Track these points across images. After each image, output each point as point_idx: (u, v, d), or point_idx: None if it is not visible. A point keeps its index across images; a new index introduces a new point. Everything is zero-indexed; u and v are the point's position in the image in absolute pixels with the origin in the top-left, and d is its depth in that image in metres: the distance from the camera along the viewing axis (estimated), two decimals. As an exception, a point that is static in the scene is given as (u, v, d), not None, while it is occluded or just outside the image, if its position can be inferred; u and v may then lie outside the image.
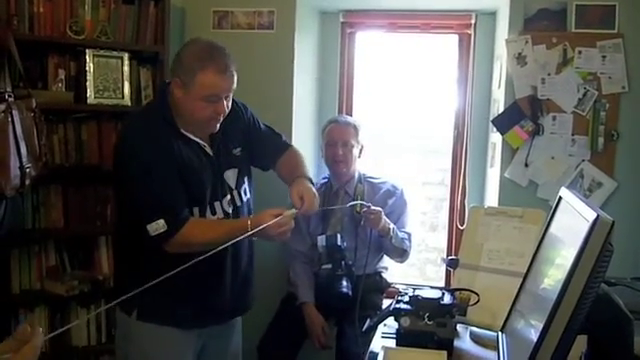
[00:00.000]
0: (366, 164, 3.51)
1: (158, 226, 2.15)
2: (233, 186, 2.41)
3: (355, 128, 3.33)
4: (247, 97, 3.54)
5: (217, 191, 2.35)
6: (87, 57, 3.16)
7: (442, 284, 3.87)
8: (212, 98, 2.21)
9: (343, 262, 3.03)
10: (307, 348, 3.32)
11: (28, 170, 2.83)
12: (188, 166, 2.26)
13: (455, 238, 3.86)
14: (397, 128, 4.03)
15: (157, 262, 2.14)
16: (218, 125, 2.31)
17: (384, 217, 3.06)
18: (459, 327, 2.26)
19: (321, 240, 3.05)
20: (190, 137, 2.29)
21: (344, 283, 3.00)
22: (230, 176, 2.41)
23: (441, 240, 4.04)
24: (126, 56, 3.27)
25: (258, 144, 2.55)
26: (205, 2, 3.64)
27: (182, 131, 2.28)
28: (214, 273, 2.37)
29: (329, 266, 3.04)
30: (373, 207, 2.99)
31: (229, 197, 2.39)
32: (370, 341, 2.34)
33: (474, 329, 2.27)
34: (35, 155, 2.89)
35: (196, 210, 2.29)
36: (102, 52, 3.20)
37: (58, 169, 3.15)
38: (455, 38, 3.83)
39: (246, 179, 2.49)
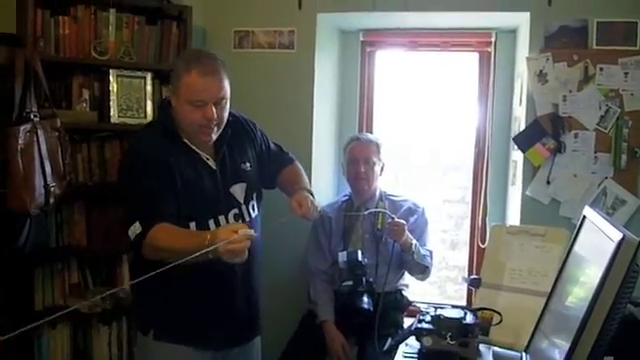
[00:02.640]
0: (387, 182, 3.51)
1: (135, 228, 2.12)
2: (241, 200, 2.38)
3: (377, 146, 3.34)
4: (268, 116, 3.58)
5: (221, 205, 2.32)
6: (111, 77, 3.21)
7: (463, 303, 3.84)
8: (197, 102, 2.18)
9: (364, 279, 3.02)
10: (327, 367, 3.31)
11: (52, 189, 2.87)
12: (187, 178, 2.24)
13: (476, 256, 3.83)
14: (417, 146, 4.02)
15: (169, 280, 2.15)
16: (213, 135, 2.28)
17: (407, 232, 3.06)
18: (481, 347, 2.24)
19: (342, 256, 3.05)
20: (193, 149, 2.29)
21: (365, 299, 3.00)
22: (237, 190, 2.38)
23: (461, 258, 4.02)
24: (149, 76, 3.31)
25: (267, 162, 2.56)
26: (226, 22, 3.68)
27: (187, 143, 2.28)
28: (224, 291, 2.35)
29: (350, 283, 3.03)
30: (397, 219, 2.99)
31: (236, 211, 2.36)
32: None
33: (497, 349, 2.25)
34: (59, 174, 2.93)
35: (193, 225, 2.25)
36: (125, 72, 3.25)
37: (81, 187, 3.19)
38: (475, 56, 3.83)
39: (255, 196, 2.46)
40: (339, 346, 3.19)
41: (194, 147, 2.29)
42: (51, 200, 2.88)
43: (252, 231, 1.92)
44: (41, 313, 3.18)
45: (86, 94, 3.22)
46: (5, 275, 2.88)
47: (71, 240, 3.25)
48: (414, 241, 3.13)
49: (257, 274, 2.51)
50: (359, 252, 3.04)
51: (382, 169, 3.38)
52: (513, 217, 3.51)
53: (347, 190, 3.49)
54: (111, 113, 3.21)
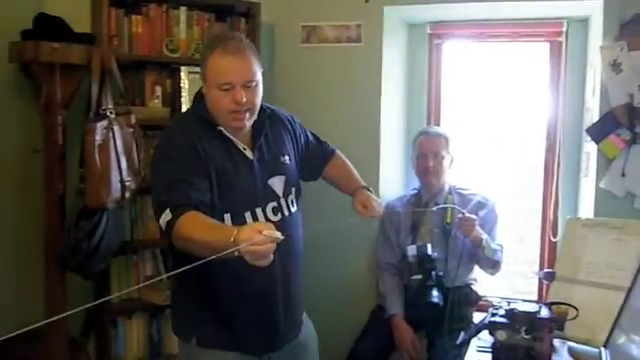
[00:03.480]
0: (455, 175, 3.48)
1: (166, 216, 1.98)
2: (280, 194, 2.27)
3: (446, 139, 3.32)
4: (336, 110, 3.62)
5: (258, 197, 2.20)
6: (182, 74, 3.28)
7: (533, 298, 3.78)
8: (224, 85, 2.07)
9: (433, 272, 3.01)
10: (396, 361, 3.32)
11: (128, 184, 2.95)
12: (221, 167, 2.13)
13: (547, 250, 3.77)
14: (487, 138, 3.97)
15: (205, 282, 2.16)
16: (246, 121, 2.16)
17: (477, 227, 3.03)
18: (556, 342, 2.22)
19: (411, 250, 3.04)
20: (229, 137, 2.17)
21: (435, 293, 2.98)
22: (276, 183, 2.27)
23: (530, 253, 3.95)
24: (219, 72, 3.36)
25: (307, 155, 2.48)
26: (293, 17, 3.70)
27: (222, 131, 2.16)
28: (264, 293, 2.23)
29: (419, 277, 3.02)
30: (467, 214, 2.96)
31: (275, 204, 2.24)
32: (462, 355, 2.32)
33: (572, 344, 2.22)
34: (134, 169, 3.01)
35: (228, 217, 2.12)
36: (196, 69, 3.29)
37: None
38: (546, 46, 3.75)
39: (294, 190, 2.33)
40: (408, 340, 3.19)
41: (230, 135, 2.18)
42: (127, 195, 2.97)
43: (278, 233, 1.74)
44: (117, 304, 3.28)
45: (159, 91, 3.30)
46: (84, 268, 2.97)
47: (145, 234, 3.35)
48: (484, 236, 3.10)
49: (297, 273, 2.37)
50: (429, 246, 3.03)
51: (451, 163, 3.35)
52: (586, 210, 3.43)
53: (416, 184, 3.47)
54: (183, 109, 3.28)
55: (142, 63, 3.28)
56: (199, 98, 2.23)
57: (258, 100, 2.17)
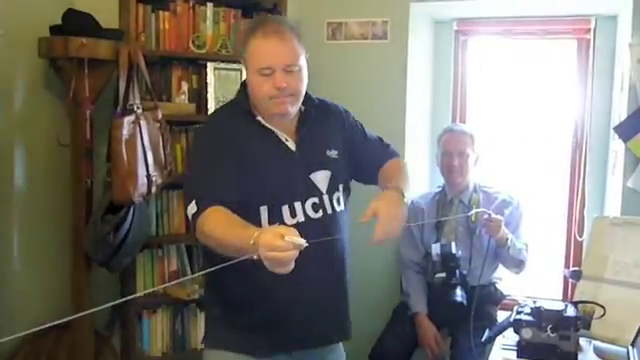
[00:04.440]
0: (480, 173, 3.46)
1: (191, 208, 1.93)
2: (323, 190, 2.10)
3: (471, 137, 3.30)
4: (361, 106, 3.59)
5: (298, 191, 2.05)
6: (208, 70, 3.30)
7: (558, 297, 3.75)
8: (265, 70, 1.96)
9: (457, 271, 3.00)
10: (419, 358, 3.30)
11: (154, 178, 2.98)
12: (258, 158, 2.03)
13: (573, 249, 3.74)
14: (512, 136, 3.94)
15: (235, 284, 2.05)
16: (289, 107, 2.02)
17: (503, 227, 3.01)
18: (582, 341, 2.20)
19: (435, 248, 3.03)
20: (269, 128, 2.06)
21: (458, 292, 2.97)
22: (320, 179, 2.11)
23: (555, 252, 3.91)
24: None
25: (364, 154, 2.27)
26: (319, 14, 3.70)
27: (262, 122, 2.05)
28: (296, 300, 2.06)
29: (443, 275, 3.01)
30: (494, 215, 2.94)
31: (316, 200, 2.08)
32: (486, 353, 2.31)
33: (598, 343, 2.21)
34: (161, 164, 3.04)
35: (264, 209, 2.01)
36: (222, 65, 3.33)
37: (180, 177, 3.29)
38: (573, 43, 3.72)
39: (341, 187, 2.16)
40: (432, 338, 3.18)
41: (270, 126, 2.06)
42: (153, 189, 2.99)
43: (303, 240, 1.61)
44: (142, 298, 3.31)
45: (185, 86, 3.32)
46: (109, 262, 3.00)
47: (170, 229, 3.37)
48: (510, 235, 3.08)
49: (338, 280, 2.22)
50: (453, 244, 3.02)
51: (476, 161, 3.33)
52: (612, 209, 3.40)
53: (441, 181, 3.46)
54: (209, 105, 3.30)
55: (169, 59, 3.30)
56: (242, 87, 2.14)
57: (302, 86, 2.04)
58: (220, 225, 1.83)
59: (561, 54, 3.85)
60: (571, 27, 3.69)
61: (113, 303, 1.39)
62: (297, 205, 2.04)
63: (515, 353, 2.10)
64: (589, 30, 3.62)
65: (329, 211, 2.10)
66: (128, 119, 2.90)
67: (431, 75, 3.90)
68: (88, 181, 3.00)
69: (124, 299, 2.80)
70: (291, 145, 2.08)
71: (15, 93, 3.02)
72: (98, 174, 3.05)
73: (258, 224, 1.94)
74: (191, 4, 3.31)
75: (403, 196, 2.03)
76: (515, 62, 3.92)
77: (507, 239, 3.06)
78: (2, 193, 2.84)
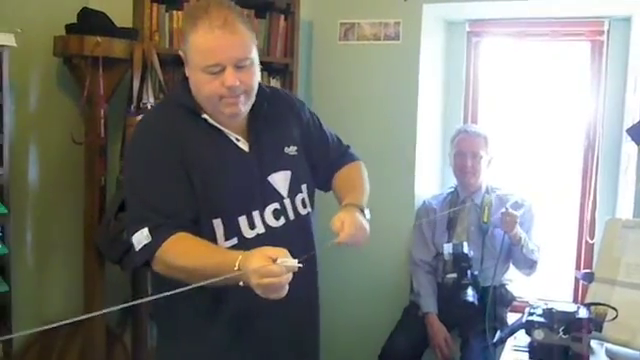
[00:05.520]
0: (493, 175, 3.46)
1: (142, 236, 1.66)
2: (284, 193, 1.86)
3: (485, 139, 3.31)
4: (372, 107, 3.63)
5: (255, 197, 1.80)
6: (221, 69, 3.30)
7: (569, 299, 3.75)
8: (213, 68, 1.67)
9: (469, 271, 3.00)
10: (429, 359, 3.31)
11: (167, 176, 2.98)
12: (208, 163, 1.77)
13: (584, 252, 3.73)
14: (524, 138, 3.93)
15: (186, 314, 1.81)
16: (242, 106, 1.76)
17: (517, 225, 3.02)
18: (594, 343, 2.19)
19: (447, 248, 3.03)
20: (218, 127, 1.79)
21: (470, 292, 2.97)
22: (279, 180, 1.86)
23: (566, 254, 3.90)
24: (257, 68, 3.39)
25: (320, 154, 2.03)
26: (332, 14, 3.71)
27: (208, 120, 1.78)
28: (267, 328, 1.83)
29: (454, 275, 3.02)
30: (510, 210, 2.95)
31: (277, 206, 1.84)
32: (496, 354, 2.31)
33: (610, 346, 2.20)
34: (174, 162, 3.04)
35: (218, 223, 1.76)
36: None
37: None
38: (587, 45, 3.71)
39: (304, 188, 1.92)
40: (442, 339, 3.19)
41: (218, 125, 1.79)
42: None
43: (295, 261, 1.47)
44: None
45: (198, 86, 3.32)
46: (122, 259, 3.01)
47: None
48: (523, 234, 3.08)
49: (310, 303, 1.99)
50: (465, 244, 3.02)
51: (489, 163, 3.33)
52: (624, 211, 3.39)
53: (453, 182, 3.46)
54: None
55: (182, 58, 3.30)
56: (183, 81, 1.83)
57: (255, 81, 1.77)
58: (190, 254, 1.62)
59: (574, 56, 3.84)
60: (585, 29, 3.68)
61: (125, 305, 1.36)
62: (255, 214, 1.80)
63: (527, 355, 2.09)
64: (603, 32, 3.61)
65: (292, 217, 1.87)
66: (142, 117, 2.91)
67: (443, 76, 3.90)
68: (102, 179, 3.02)
69: (134, 302, 2.83)
70: (243, 145, 1.83)
71: (30, 91, 3.05)
72: (111, 172, 3.07)
73: (213, 240, 1.73)
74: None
75: (364, 214, 1.83)
76: (527, 64, 3.91)
77: (521, 237, 3.06)
78: (17, 190, 2.86)
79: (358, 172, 2.06)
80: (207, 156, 1.77)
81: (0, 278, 2.71)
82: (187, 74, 1.78)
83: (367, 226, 1.80)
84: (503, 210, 2.97)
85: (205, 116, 1.78)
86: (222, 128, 1.80)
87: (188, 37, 1.70)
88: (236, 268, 1.48)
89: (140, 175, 1.76)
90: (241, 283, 1.49)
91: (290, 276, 1.47)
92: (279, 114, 1.92)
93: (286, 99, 2.01)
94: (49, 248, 3.16)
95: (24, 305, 2.94)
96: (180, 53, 1.79)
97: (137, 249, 1.68)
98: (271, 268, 1.44)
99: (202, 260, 1.59)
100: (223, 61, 1.67)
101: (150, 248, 1.65)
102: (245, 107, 1.78)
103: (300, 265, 1.48)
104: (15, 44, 2.67)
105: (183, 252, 1.63)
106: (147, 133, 1.82)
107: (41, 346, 3.07)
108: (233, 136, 1.81)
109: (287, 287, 1.47)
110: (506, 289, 3.32)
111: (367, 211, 1.86)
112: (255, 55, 1.76)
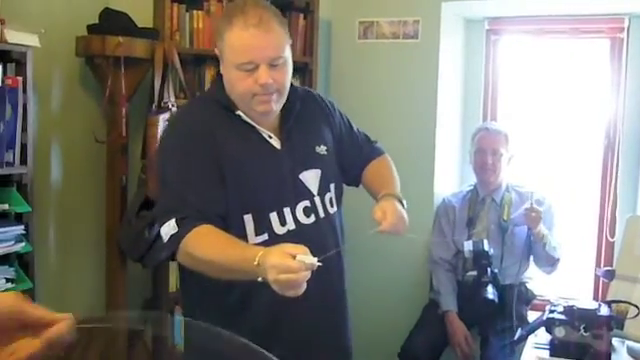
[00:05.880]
0: (513, 173, 3.45)
1: (169, 227, 1.69)
2: (315, 191, 1.88)
3: (505, 136, 3.30)
4: (392, 105, 3.63)
5: (286, 194, 1.82)
6: (240, 68, 3.32)
7: (589, 297, 3.73)
8: (246, 65, 1.71)
9: (489, 269, 3.00)
10: (448, 357, 3.31)
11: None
12: (241, 159, 1.79)
13: (604, 250, 3.71)
14: (544, 135, 3.92)
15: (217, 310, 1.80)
16: (274, 104, 1.79)
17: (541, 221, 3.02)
18: (615, 341, 2.19)
19: (468, 245, 3.03)
20: (251, 124, 1.82)
21: (490, 289, 2.98)
22: (310, 178, 1.88)
23: (586, 252, 3.88)
24: (276, 67, 3.40)
25: (350, 151, 2.06)
26: (351, 13, 3.72)
27: (242, 116, 1.81)
28: (296, 321, 1.83)
29: (474, 273, 3.02)
30: (535, 205, 2.95)
31: (307, 204, 1.86)
32: (515, 353, 2.31)
33: (632, 344, 2.19)
34: (195, 161, 3.06)
35: (249, 219, 1.78)
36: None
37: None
38: (606, 42, 3.69)
39: (332, 187, 1.94)
40: (462, 337, 3.19)
41: (252, 122, 1.82)
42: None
43: (315, 259, 1.46)
44: (174, 295, 3.35)
45: (218, 85, 3.35)
46: (143, 258, 3.04)
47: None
48: (546, 231, 3.08)
49: (337, 296, 1.99)
50: (485, 242, 3.03)
51: (510, 160, 3.33)
52: (645, 210, 3.38)
53: (472, 180, 3.46)
54: (241, 103, 3.32)
55: (202, 57, 3.34)
56: (217, 78, 1.89)
57: (288, 80, 1.81)
58: (213, 247, 1.64)
59: (594, 53, 3.82)
60: (604, 26, 3.66)
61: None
62: (286, 211, 1.82)
63: (547, 352, 2.09)
64: (623, 29, 3.60)
65: (322, 215, 1.89)
66: (163, 117, 2.94)
67: (462, 74, 3.90)
68: (123, 177, 3.05)
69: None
70: (276, 143, 1.85)
71: (53, 91, 3.08)
72: (133, 171, 3.10)
73: (243, 236, 1.74)
74: (224, 3, 3.33)
75: (402, 204, 1.89)
76: (547, 61, 3.90)
77: (544, 234, 3.06)
78: (40, 189, 2.90)
79: (388, 165, 2.11)
80: (240, 152, 1.80)
81: (24, 275, 2.74)
82: (221, 71, 1.82)
83: (406, 216, 1.85)
84: (527, 206, 2.97)
85: (239, 112, 1.81)
86: (255, 125, 1.82)
87: (224, 34, 1.74)
88: (256, 263, 1.49)
89: (172, 168, 1.79)
90: (260, 279, 1.49)
91: (308, 274, 1.46)
92: (311, 114, 1.96)
93: (318, 100, 2.04)
94: (71, 246, 3.19)
95: (47, 302, 2.95)
96: (215, 50, 1.83)
97: (165, 240, 1.71)
98: (290, 264, 1.44)
99: (224, 253, 1.61)
100: (257, 59, 1.70)
101: (176, 239, 1.67)
102: (277, 105, 1.81)
103: (320, 264, 1.47)
104: (38, 44, 2.70)
105: (206, 244, 1.65)
106: (181, 127, 1.87)
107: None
108: (266, 133, 1.84)
109: (305, 285, 1.47)
110: (526, 287, 3.32)
111: (404, 201, 1.91)
112: (288, 54, 1.79)
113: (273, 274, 1.45)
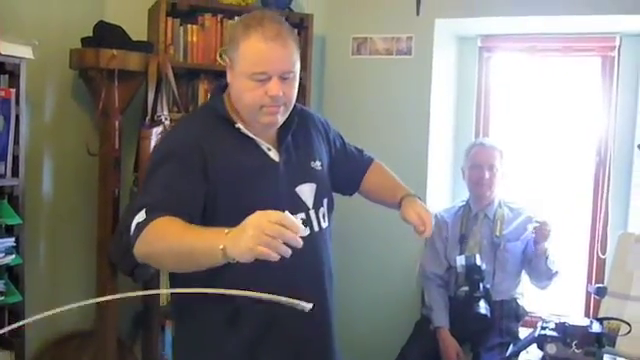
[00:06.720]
0: (505, 189, 3.46)
1: (139, 217, 1.65)
2: (310, 205, 1.91)
3: (500, 152, 3.31)
4: (384, 121, 3.64)
5: (283, 206, 1.70)
6: (235, 83, 3.33)
7: (581, 313, 3.73)
8: (260, 76, 1.73)
9: (481, 285, 2.99)
10: (440, 373, 3.30)
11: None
12: (239, 171, 1.80)
13: (596, 267, 3.72)
14: (536, 152, 3.94)
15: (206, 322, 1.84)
16: (279, 116, 1.82)
17: None
18: (607, 358, 2.19)
19: (460, 260, 3.02)
20: (249, 136, 1.84)
21: (482, 304, 2.96)
22: (306, 192, 1.92)
23: (577, 268, 3.89)
24: (270, 81, 3.41)
25: (345, 164, 2.14)
26: (345, 29, 3.74)
27: (242, 129, 1.83)
28: (288, 328, 1.83)
29: (466, 288, 3.01)
30: (547, 220, 2.97)
31: (303, 216, 1.88)
32: (509, 368, 2.30)
33: (623, 361, 2.19)
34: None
35: None
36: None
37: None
38: (598, 61, 3.72)
39: (325, 202, 1.98)
40: (454, 353, 3.17)
41: (251, 135, 1.84)
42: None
43: (305, 228, 1.46)
44: (164, 308, 3.33)
45: (211, 99, 3.36)
46: (134, 271, 3.03)
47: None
48: (548, 245, 3.09)
49: (327, 305, 1.97)
50: (477, 256, 3.02)
51: (503, 176, 3.34)
52: (636, 226, 3.38)
53: (465, 195, 3.46)
54: (234, 117, 3.33)
55: (196, 72, 3.35)
56: (218, 90, 1.94)
57: (294, 94, 1.84)
58: (172, 231, 1.58)
59: (585, 71, 3.85)
60: (596, 44, 3.69)
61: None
62: None
63: (539, 369, 2.10)
64: (614, 47, 3.62)
65: (316, 228, 1.92)
66: (156, 130, 2.94)
67: (455, 91, 3.92)
68: (116, 190, 3.04)
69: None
70: (274, 155, 1.88)
71: (46, 103, 3.09)
72: (125, 184, 3.09)
73: None
74: (219, 18, 3.35)
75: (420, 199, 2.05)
76: (539, 78, 3.93)
77: (546, 249, 3.07)
78: (31, 201, 2.89)
79: (385, 168, 2.23)
80: (238, 163, 1.81)
81: (13, 288, 2.73)
82: (229, 80, 1.83)
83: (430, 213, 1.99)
84: (540, 220, 3.00)
85: (239, 125, 1.83)
86: (254, 137, 1.85)
87: (239, 44, 1.75)
88: (226, 232, 1.46)
89: (154, 175, 1.78)
90: (232, 261, 1.44)
91: (299, 241, 1.42)
92: (307, 129, 2.01)
93: (314, 117, 2.09)
94: (62, 259, 3.18)
95: (37, 315, 2.95)
96: (225, 60, 1.86)
97: (131, 232, 1.67)
98: (281, 214, 1.42)
99: (184, 236, 1.56)
100: (270, 71, 1.74)
101: (141, 226, 1.62)
102: (282, 118, 1.84)
103: (308, 232, 1.48)
104: (32, 56, 2.70)
105: (168, 232, 1.59)
106: (178, 133, 1.91)
107: (51, 357, 3.08)
108: (265, 145, 1.86)
109: (290, 251, 1.42)
110: (517, 303, 3.31)
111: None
112: (297, 70, 1.83)
113: (257, 232, 1.40)
